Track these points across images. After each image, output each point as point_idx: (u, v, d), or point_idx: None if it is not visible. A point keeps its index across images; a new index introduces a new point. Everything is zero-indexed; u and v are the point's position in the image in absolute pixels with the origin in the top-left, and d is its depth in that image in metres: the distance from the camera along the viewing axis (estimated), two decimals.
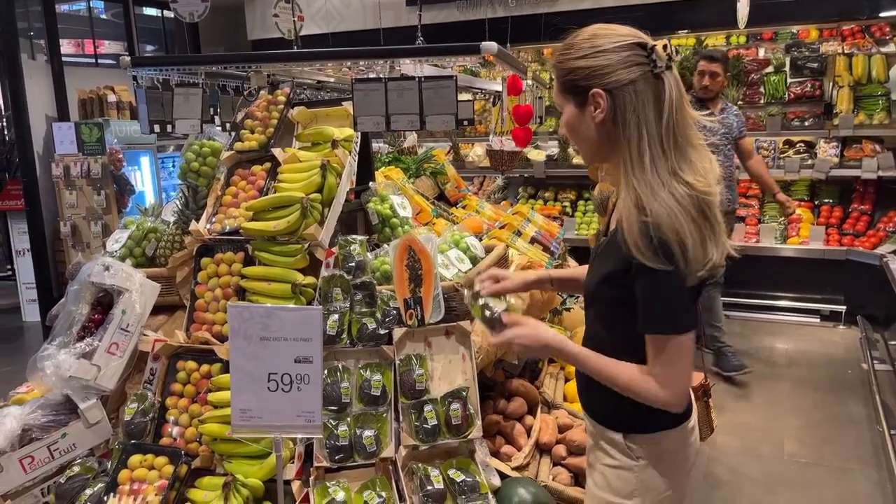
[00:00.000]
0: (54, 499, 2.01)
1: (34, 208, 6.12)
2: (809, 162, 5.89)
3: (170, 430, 2.14)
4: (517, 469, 2.14)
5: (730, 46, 6.36)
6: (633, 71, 1.33)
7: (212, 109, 2.87)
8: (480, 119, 6.79)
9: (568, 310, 3.10)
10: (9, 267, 7.64)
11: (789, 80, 6.16)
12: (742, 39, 6.37)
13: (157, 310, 2.42)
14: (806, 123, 6.00)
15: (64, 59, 6.66)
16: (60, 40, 6.69)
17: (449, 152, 6.74)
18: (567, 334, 2.87)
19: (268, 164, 2.52)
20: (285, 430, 1.73)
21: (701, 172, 1.33)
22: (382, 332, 2.13)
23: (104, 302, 2.33)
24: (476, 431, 2.04)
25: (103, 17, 8.11)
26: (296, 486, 1.97)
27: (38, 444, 2.09)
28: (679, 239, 1.27)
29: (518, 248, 3.06)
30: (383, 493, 1.91)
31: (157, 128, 2.75)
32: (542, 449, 2.33)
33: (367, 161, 2.77)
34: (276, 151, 2.49)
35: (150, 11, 8.17)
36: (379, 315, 2.15)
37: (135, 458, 2.02)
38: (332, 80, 3.31)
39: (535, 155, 6.59)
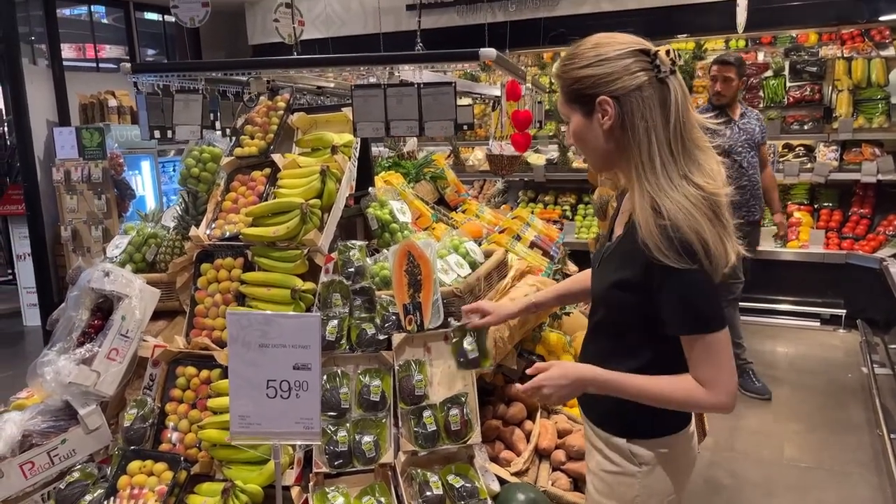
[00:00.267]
0: None
1: (35, 213, 6.13)
2: (809, 166, 5.89)
3: (169, 435, 2.14)
4: (516, 474, 2.14)
5: (729, 50, 6.37)
6: (638, 77, 1.34)
7: (212, 115, 2.87)
8: (480, 123, 6.80)
9: (567, 314, 3.10)
10: (9, 271, 7.66)
11: (788, 84, 6.17)
12: (741, 44, 6.38)
13: (156, 315, 2.43)
14: (805, 127, 6.01)
15: (65, 63, 6.68)
16: (61, 45, 6.72)
17: (449, 156, 6.76)
18: (566, 339, 2.88)
19: (268, 170, 2.52)
20: (284, 437, 1.73)
21: (710, 174, 1.35)
22: (382, 337, 2.13)
23: (104, 308, 2.33)
24: (475, 437, 2.04)
25: (104, 21, 8.12)
26: (295, 491, 1.97)
27: (38, 449, 2.10)
28: (700, 238, 1.29)
29: (517, 252, 3.07)
30: (382, 499, 1.92)
31: (157, 134, 2.75)
32: (541, 454, 2.32)
33: (367, 166, 2.78)
34: (276, 157, 2.50)
35: (151, 16, 8.19)
36: (378, 320, 2.15)
37: (134, 464, 2.03)
38: (331, 85, 3.32)
39: (535, 159, 6.60)
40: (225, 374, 2.11)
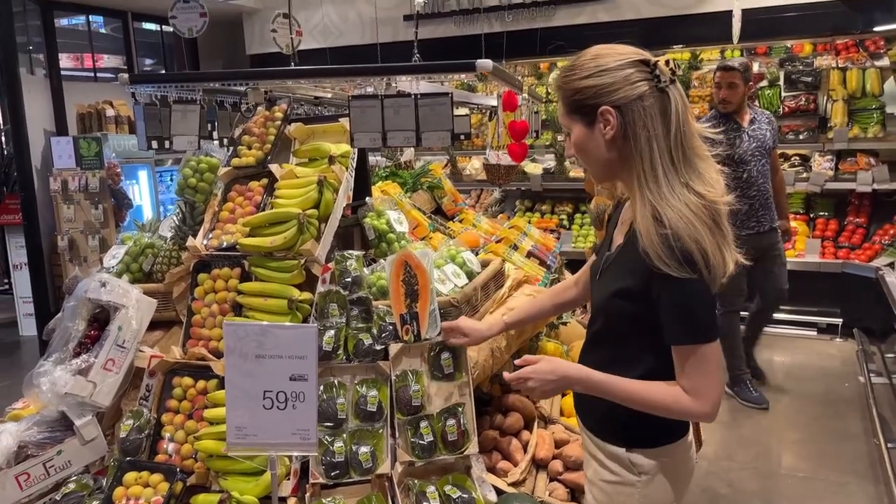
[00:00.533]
0: None
1: (32, 222, 6.13)
2: (804, 175, 5.92)
3: (165, 446, 2.13)
4: (513, 485, 2.14)
5: (724, 61, 6.40)
6: (639, 87, 1.36)
7: (209, 125, 2.88)
8: (478, 133, 6.82)
9: (564, 324, 3.10)
10: (6, 281, 7.64)
11: (783, 94, 6.21)
12: (736, 54, 6.40)
13: (153, 325, 2.42)
14: (801, 137, 6.04)
15: (63, 73, 6.70)
16: (59, 54, 6.73)
17: (446, 166, 6.78)
18: (563, 348, 2.88)
19: (265, 180, 2.53)
20: (280, 448, 1.73)
21: (710, 182, 1.36)
22: (379, 347, 2.13)
23: (100, 318, 2.33)
24: (472, 447, 2.04)
25: (102, 31, 8.14)
26: (292, 502, 1.96)
27: (33, 460, 2.08)
28: (700, 247, 1.30)
29: (515, 262, 3.07)
30: None
31: (154, 144, 2.75)
32: (538, 464, 2.32)
33: (364, 176, 2.79)
34: (274, 167, 2.50)
35: (149, 26, 8.22)
36: (375, 331, 2.15)
37: (130, 476, 2.01)
38: (329, 95, 3.33)
39: (532, 168, 6.62)
40: (221, 385, 2.11)
